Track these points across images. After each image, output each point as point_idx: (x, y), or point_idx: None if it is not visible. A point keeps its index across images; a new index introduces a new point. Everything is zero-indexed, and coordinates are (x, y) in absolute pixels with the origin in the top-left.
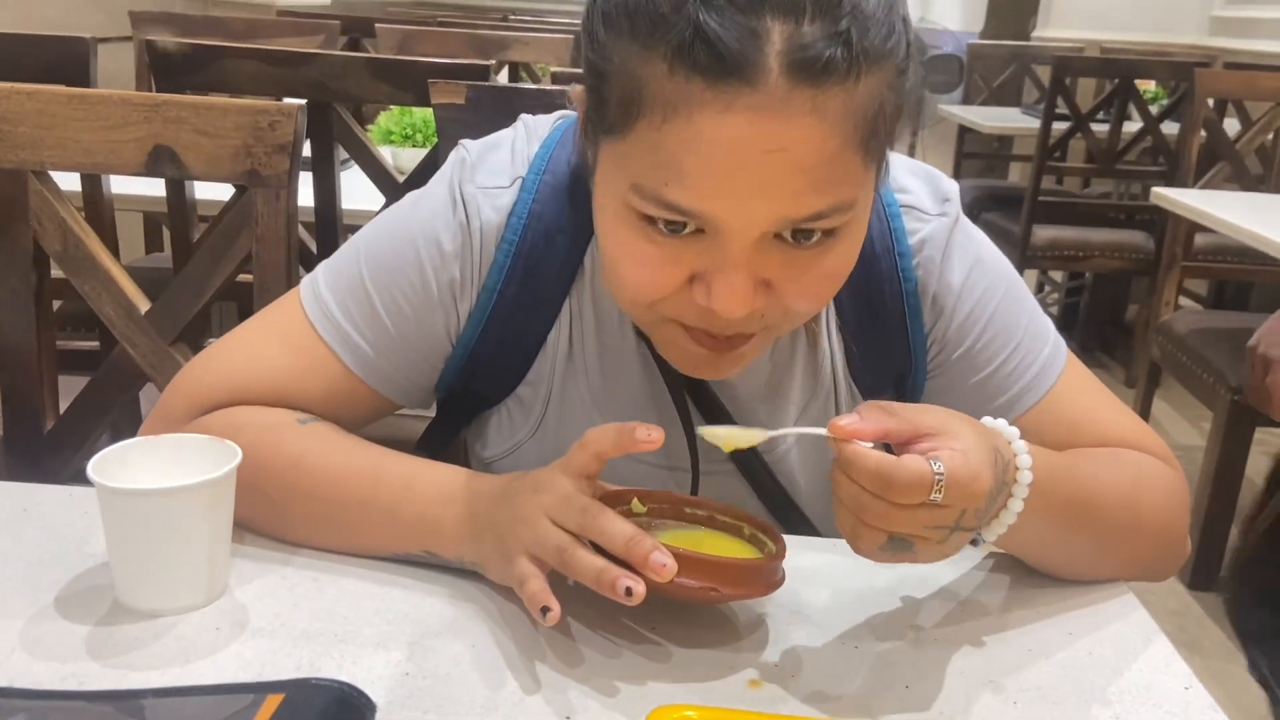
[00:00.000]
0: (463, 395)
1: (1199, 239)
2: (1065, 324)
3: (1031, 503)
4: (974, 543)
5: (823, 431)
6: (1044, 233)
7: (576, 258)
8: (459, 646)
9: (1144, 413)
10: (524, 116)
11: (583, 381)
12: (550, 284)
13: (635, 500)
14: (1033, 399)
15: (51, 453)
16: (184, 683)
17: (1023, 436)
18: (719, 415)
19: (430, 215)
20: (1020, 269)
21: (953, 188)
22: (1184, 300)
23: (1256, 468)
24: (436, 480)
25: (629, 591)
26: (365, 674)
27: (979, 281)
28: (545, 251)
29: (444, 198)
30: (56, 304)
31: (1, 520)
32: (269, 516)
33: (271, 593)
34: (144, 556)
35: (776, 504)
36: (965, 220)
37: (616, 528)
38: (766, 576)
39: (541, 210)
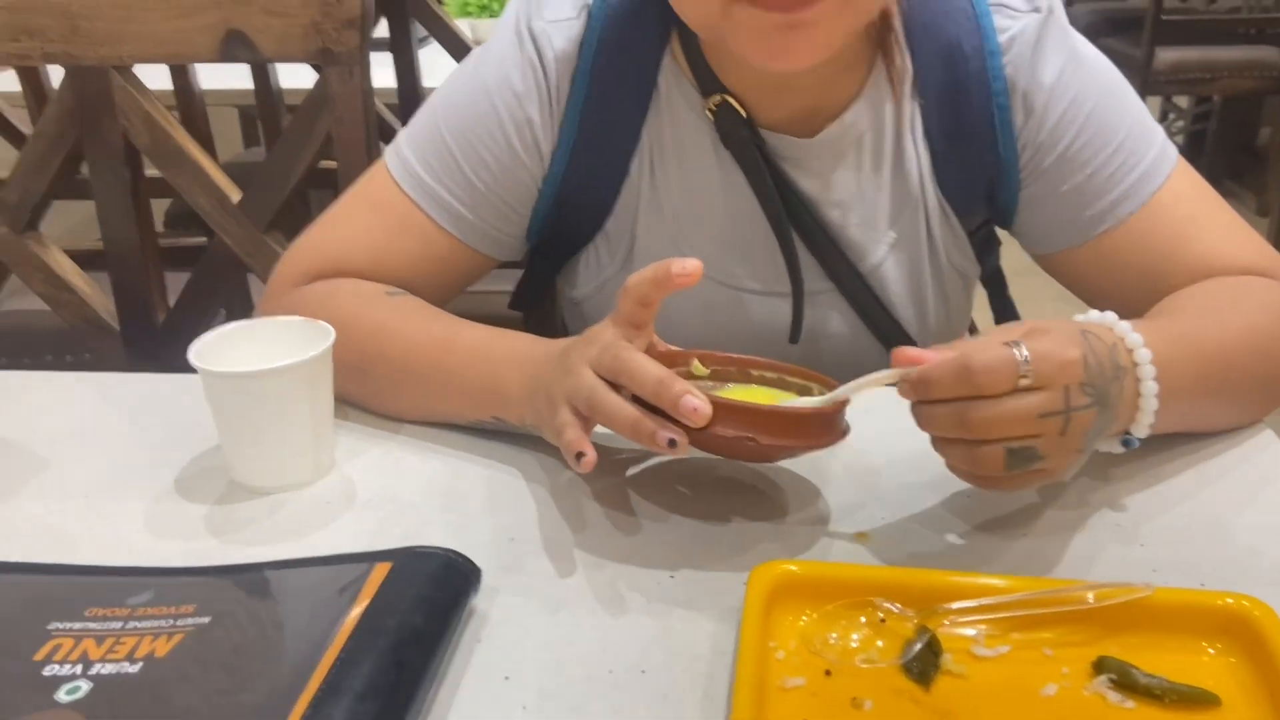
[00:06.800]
0: (553, 240)
1: None
2: (1192, 153)
3: (1163, 384)
4: (1126, 443)
5: (891, 373)
6: (1167, 55)
7: (650, 79)
8: (563, 511)
9: (1278, 242)
10: None
11: (666, 208)
12: (628, 109)
13: (696, 361)
14: (1133, 205)
15: (166, 344)
16: (298, 555)
17: (1119, 249)
18: (810, 228)
19: (499, 60)
20: (1143, 96)
21: None
22: None
23: None
24: (505, 347)
25: (671, 443)
26: (470, 541)
27: (1074, 78)
28: (619, 77)
29: (510, 40)
30: (166, 202)
31: (123, 409)
32: (357, 385)
33: (377, 467)
34: (250, 436)
35: (877, 322)
36: (1062, 17)
37: (646, 369)
38: (815, 426)
39: (611, 36)
